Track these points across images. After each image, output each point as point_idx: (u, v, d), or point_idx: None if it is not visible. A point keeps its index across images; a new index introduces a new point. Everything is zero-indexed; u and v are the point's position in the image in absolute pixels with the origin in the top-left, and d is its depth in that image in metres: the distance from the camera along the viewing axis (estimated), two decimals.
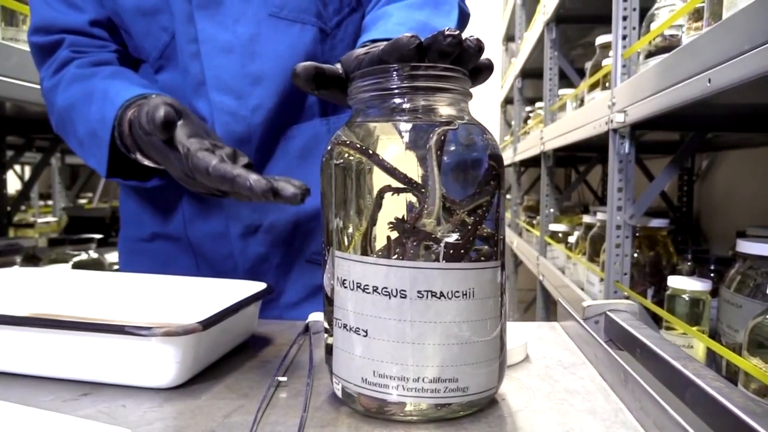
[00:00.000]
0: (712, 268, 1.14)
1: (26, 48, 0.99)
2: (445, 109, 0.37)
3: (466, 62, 0.37)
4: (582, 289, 1.34)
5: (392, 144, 0.36)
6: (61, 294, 0.55)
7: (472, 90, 0.39)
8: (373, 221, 0.35)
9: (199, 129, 0.51)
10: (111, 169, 0.59)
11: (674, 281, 0.86)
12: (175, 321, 0.40)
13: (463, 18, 0.61)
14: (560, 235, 1.75)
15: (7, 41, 0.96)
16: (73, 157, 2.75)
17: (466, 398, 0.35)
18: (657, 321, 0.94)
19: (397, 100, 0.36)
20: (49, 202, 3.14)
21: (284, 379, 0.42)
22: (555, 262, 1.74)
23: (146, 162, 0.57)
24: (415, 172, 0.35)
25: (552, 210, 1.88)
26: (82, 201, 3.19)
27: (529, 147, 2.17)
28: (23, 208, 2.50)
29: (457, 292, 0.34)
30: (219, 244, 0.66)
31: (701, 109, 0.82)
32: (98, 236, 1.44)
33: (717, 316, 0.82)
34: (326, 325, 0.39)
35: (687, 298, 0.85)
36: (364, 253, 0.36)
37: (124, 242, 0.72)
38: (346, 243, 0.37)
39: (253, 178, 0.43)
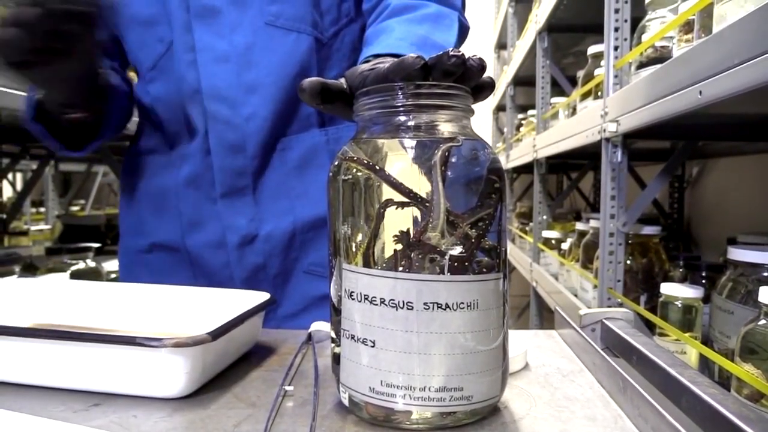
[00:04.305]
0: (704, 274, 1.16)
1: None
2: (448, 125, 0.38)
3: (469, 80, 0.38)
4: (575, 296, 1.36)
5: (398, 160, 0.37)
6: (65, 305, 0.56)
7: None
8: (376, 234, 0.37)
9: None
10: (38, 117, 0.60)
11: (667, 288, 0.87)
12: (181, 332, 0.41)
13: (463, 32, 0.62)
14: (553, 241, 1.77)
15: None
16: (66, 164, 2.74)
17: (471, 406, 0.36)
18: (650, 327, 0.95)
19: (403, 117, 0.37)
20: (42, 210, 3.12)
21: (291, 388, 0.43)
22: (548, 269, 1.75)
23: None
24: (419, 186, 0.36)
25: (545, 217, 1.90)
26: (75, 208, 3.18)
27: (521, 154, 2.18)
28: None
29: (462, 303, 0.35)
30: (216, 254, 0.67)
31: (692, 118, 0.84)
32: (96, 245, 1.44)
33: (709, 323, 0.83)
34: (333, 335, 0.40)
35: (680, 305, 0.86)
36: (366, 264, 0.37)
37: (124, 254, 0.73)
38: (354, 255, 0.38)
39: None
